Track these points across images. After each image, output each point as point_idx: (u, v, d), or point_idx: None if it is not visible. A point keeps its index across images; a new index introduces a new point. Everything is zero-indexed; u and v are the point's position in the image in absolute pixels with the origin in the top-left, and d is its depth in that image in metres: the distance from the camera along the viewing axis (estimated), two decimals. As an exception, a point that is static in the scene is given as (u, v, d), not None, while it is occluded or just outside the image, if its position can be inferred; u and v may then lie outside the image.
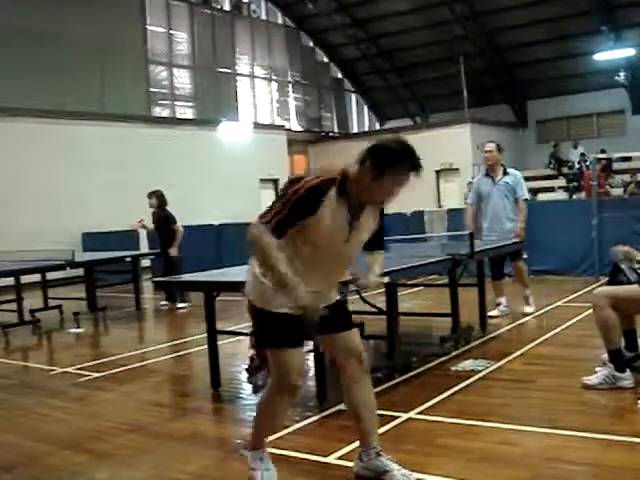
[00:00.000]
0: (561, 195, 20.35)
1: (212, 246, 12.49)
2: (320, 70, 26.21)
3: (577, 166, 20.93)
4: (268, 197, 20.38)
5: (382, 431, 3.90)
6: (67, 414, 4.80)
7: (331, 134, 26.05)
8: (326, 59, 26.34)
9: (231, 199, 17.57)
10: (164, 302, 9.90)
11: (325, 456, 3.60)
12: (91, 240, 14.45)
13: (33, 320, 8.49)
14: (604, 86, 21.71)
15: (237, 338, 6.43)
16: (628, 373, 4.42)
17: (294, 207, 2.83)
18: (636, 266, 4.57)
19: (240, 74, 22.89)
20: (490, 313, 6.98)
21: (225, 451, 3.90)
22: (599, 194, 11.25)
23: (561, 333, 6.33)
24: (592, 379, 4.49)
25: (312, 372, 4.93)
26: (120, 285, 10.74)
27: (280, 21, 24.53)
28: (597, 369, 4.63)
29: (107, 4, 17.61)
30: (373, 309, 6.03)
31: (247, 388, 5.09)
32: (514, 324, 6.90)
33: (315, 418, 4.26)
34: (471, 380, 4.89)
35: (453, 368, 5.24)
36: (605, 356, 4.59)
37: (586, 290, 8.10)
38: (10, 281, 8.50)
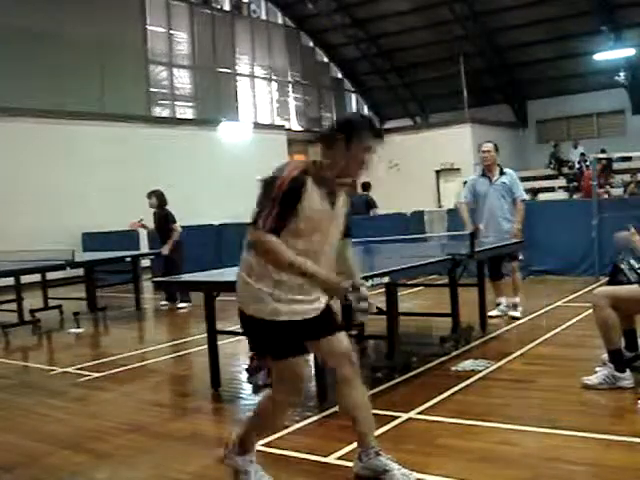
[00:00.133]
0: (561, 195, 20.35)
1: (212, 246, 12.49)
2: (320, 70, 26.20)
3: (577, 166, 20.94)
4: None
5: (382, 431, 3.90)
6: (67, 414, 4.80)
7: (331, 134, 26.02)
8: (326, 59, 26.33)
9: (231, 199, 17.53)
10: (164, 302, 9.90)
11: (325, 456, 3.60)
12: (91, 240, 14.45)
13: (33, 320, 8.49)
14: (604, 86, 21.71)
15: (237, 338, 6.42)
16: (628, 373, 4.42)
17: (283, 201, 2.87)
18: (636, 266, 4.57)
19: (240, 74, 22.88)
20: (490, 313, 6.98)
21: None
22: (599, 195, 11.24)
23: (561, 333, 6.33)
24: (592, 379, 4.49)
25: (312, 372, 4.93)
26: (120, 285, 10.74)
27: (280, 21, 24.52)
28: (597, 369, 4.63)
29: (107, 4, 17.59)
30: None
31: (247, 388, 5.10)
32: (514, 324, 6.90)
33: (315, 418, 4.26)
34: (471, 380, 4.89)
35: (453, 368, 5.24)
36: (605, 356, 4.59)
37: (586, 290, 8.09)
38: (10, 281, 8.50)
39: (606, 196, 15.85)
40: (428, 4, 21.44)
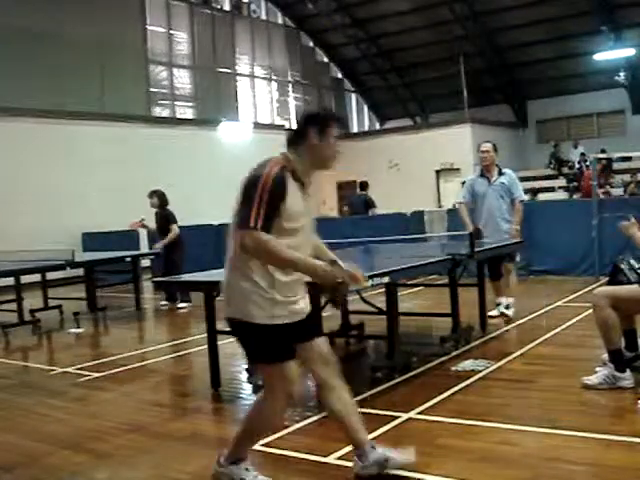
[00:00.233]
0: (561, 195, 20.35)
1: (212, 246, 12.45)
2: (320, 70, 26.21)
3: (577, 166, 20.94)
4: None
5: (382, 431, 3.91)
6: (67, 414, 4.80)
7: (331, 134, 26.01)
8: (326, 59, 26.33)
9: (231, 199, 17.47)
10: (164, 302, 9.90)
11: (325, 456, 3.60)
12: (91, 240, 14.46)
13: (33, 320, 8.49)
14: (604, 86, 21.70)
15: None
16: (628, 373, 4.42)
17: (270, 199, 2.90)
18: (636, 266, 4.57)
19: (240, 74, 22.89)
20: (490, 313, 6.98)
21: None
22: (599, 195, 11.23)
23: (561, 333, 6.33)
24: (592, 379, 4.49)
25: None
26: (120, 285, 10.74)
27: (280, 21, 24.53)
28: (597, 369, 4.63)
29: (107, 4, 17.60)
30: (373, 309, 6.04)
31: (247, 388, 5.10)
32: (514, 324, 6.89)
33: (315, 418, 4.25)
34: (471, 380, 4.88)
35: (453, 368, 5.24)
36: (605, 356, 4.59)
37: (586, 290, 8.09)
38: (10, 281, 8.50)
39: (602, 196, 15.83)
40: (428, 4, 21.45)
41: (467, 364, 5.31)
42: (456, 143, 20.47)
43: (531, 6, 20.21)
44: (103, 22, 17.32)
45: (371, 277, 4.54)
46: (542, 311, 7.44)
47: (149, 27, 19.84)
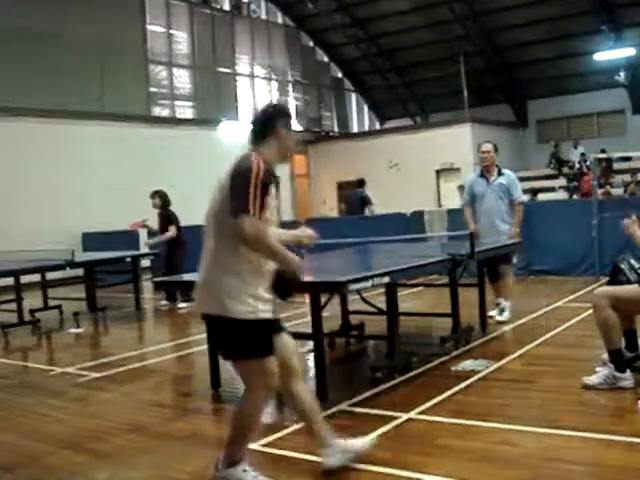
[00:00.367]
0: (562, 195, 20.35)
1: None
2: (320, 70, 26.20)
3: (577, 166, 20.94)
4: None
5: (382, 431, 3.91)
6: (67, 414, 4.81)
7: (331, 134, 26.04)
8: (326, 59, 26.32)
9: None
10: (164, 302, 9.90)
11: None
12: (91, 240, 14.46)
13: (33, 320, 8.49)
14: (604, 86, 21.69)
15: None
16: (628, 373, 4.42)
17: (262, 191, 2.97)
18: (636, 266, 4.57)
19: (240, 74, 22.88)
20: (490, 313, 6.97)
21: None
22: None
23: (561, 333, 6.33)
24: (592, 379, 4.49)
25: (312, 372, 4.93)
26: (120, 285, 10.74)
27: (280, 21, 24.52)
28: (597, 369, 4.63)
29: (107, 4, 17.59)
30: (373, 309, 6.05)
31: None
32: (514, 324, 6.89)
33: (315, 418, 4.25)
34: (471, 380, 4.89)
35: (453, 368, 5.25)
36: (605, 356, 4.59)
37: (586, 290, 8.10)
38: (10, 281, 8.49)
39: (601, 197, 15.82)
40: (428, 4, 21.44)
41: (467, 364, 5.31)
42: (456, 143, 20.46)
43: (531, 6, 20.20)
44: (103, 22, 17.31)
45: (371, 277, 4.55)
46: (542, 311, 7.44)
47: (149, 27, 19.83)
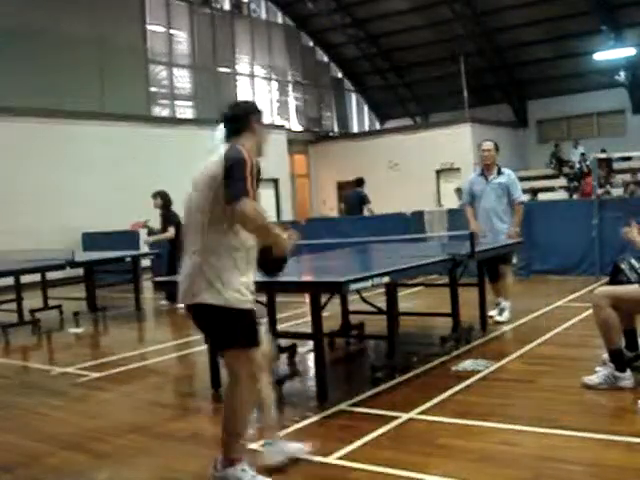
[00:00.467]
0: (562, 195, 20.35)
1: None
2: (320, 70, 26.21)
3: (577, 166, 20.95)
4: (268, 197, 20.40)
5: (382, 431, 3.91)
6: (67, 414, 4.81)
7: (331, 134, 26.05)
8: (326, 59, 26.33)
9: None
10: (164, 302, 9.90)
11: (325, 456, 3.60)
12: (91, 240, 14.45)
13: (33, 320, 8.48)
14: (604, 86, 21.71)
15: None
16: (628, 373, 4.42)
17: (256, 176, 3.09)
18: (636, 265, 4.57)
19: (240, 74, 22.90)
20: (490, 313, 6.97)
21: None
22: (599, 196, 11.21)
23: (561, 333, 6.32)
24: (592, 379, 4.49)
25: (312, 372, 4.93)
26: (120, 285, 10.74)
27: (280, 21, 24.53)
28: (597, 369, 4.63)
29: (107, 4, 17.60)
30: (373, 309, 6.04)
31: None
32: (514, 324, 6.89)
33: (315, 418, 4.25)
34: (471, 380, 4.88)
35: (453, 368, 5.24)
36: (605, 356, 4.59)
37: (586, 290, 8.09)
38: (10, 281, 8.50)
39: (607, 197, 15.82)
40: (428, 3, 21.46)
41: (467, 364, 5.31)
42: (456, 143, 20.47)
43: (531, 6, 20.21)
44: (103, 22, 17.32)
45: (371, 277, 4.55)
46: (542, 311, 7.44)
47: (149, 27, 19.85)
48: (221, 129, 3.34)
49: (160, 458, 3.84)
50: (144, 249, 11.57)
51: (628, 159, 19.59)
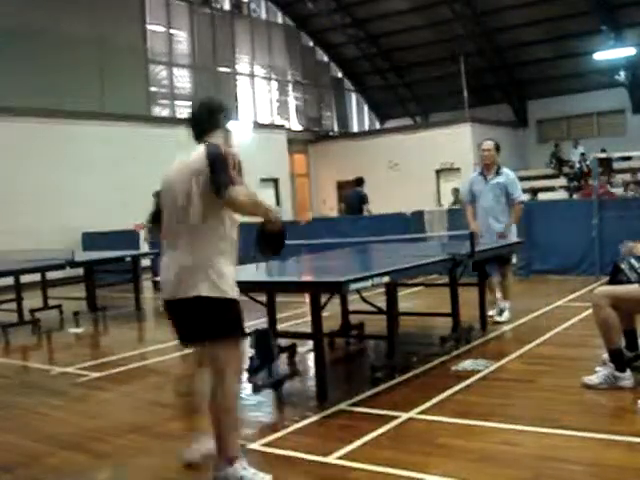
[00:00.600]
0: (562, 194, 20.34)
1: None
2: (320, 70, 26.20)
3: (577, 166, 20.94)
4: (268, 197, 20.40)
5: (382, 431, 3.91)
6: (67, 414, 4.81)
7: (331, 133, 26.05)
8: (326, 59, 26.32)
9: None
10: (164, 302, 9.89)
11: (325, 456, 3.60)
12: (91, 240, 14.45)
13: (33, 320, 8.48)
14: (604, 86, 21.70)
15: (237, 338, 6.42)
16: (628, 373, 4.42)
17: (238, 167, 3.23)
18: (636, 265, 4.57)
19: (240, 74, 22.89)
20: (490, 312, 6.96)
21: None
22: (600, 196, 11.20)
23: (561, 333, 6.32)
24: (592, 379, 4.49)
25: (312, 372, 4.93)
26: (120, 285, 10.73)
27: (280, 21, 24.52)
28: (597, 369, 4.63)
29: (107, 4, 17.59)
30: (373, 309, 6.04)
31: (247, 388, 5.09)
32: (514, 324, 6.89)
33: (315, 418, 4.25)
34: (471, 380, 4.88)
35: (453, 368, 5.24)
36: (605, 356, 4.59)
37: (586, 290, 8.09)
38: (10, 281, 8.49)
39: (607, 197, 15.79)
40: (428, 3, 21.45)
41: (467, 364, 5.31)
42: (456, 143, 20.47)
43: (531, 6, 20.21)
44: (103, 22, 17.31)
45: (371, 277, 4.55)
46: (542, 311, 7.44)
47: (149, 27, 19.84)
48: (192, 126, 3.46)
49: (160, 458, 3.84)
50: (144, 249, 11.59)
51: (628, 159, 19.58)
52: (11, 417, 4.82)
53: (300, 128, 24.73)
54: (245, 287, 5.09)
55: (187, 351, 6.14)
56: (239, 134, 20.06)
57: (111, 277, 11.27)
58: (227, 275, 3.24)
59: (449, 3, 21.02)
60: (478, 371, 5.09)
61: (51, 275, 9.56)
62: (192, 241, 3.24)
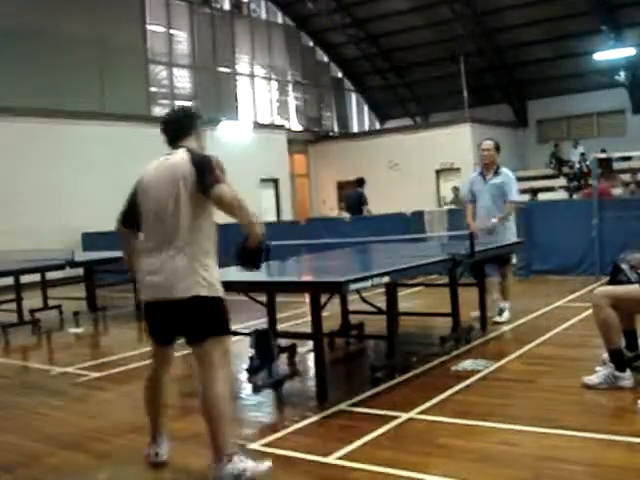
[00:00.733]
0: (562, 194, 20.35)
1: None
2: (320, 70, 26.21)
3: (577, 166, 20.95)
4: (268, 197, 20.41)
5: (382, 431, 3.91)
6: (67, 414, 4.81)
7: (331, 134, 26.05)
8: (326, 59, 26.33)
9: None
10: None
11: (325, 456, 3.60)
12: (91, 240, 14.44)
13: (33, 320, 8.48)
14: (604, 86, 21.71)
15: (237, 338, 6.41)
16: (628, 373, 4.42)
17: (221, 170, 3.34)
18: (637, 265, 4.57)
19: (240, 73, 22.89)
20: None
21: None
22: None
23: (561, 333, 6.32)
24: (592, 379, 4.49)
25: (312, 372, 4.93)
26: (120, 285, 10.72)
27: (280, 21, 24.53)
28: (597, 369, 4.63)
29: (107, 4, 17.59)
30: (373, 309, 6.05)
31: (247, 388, 5.09)
32: (514, 324, 6.89)
33: (315, 418, 4.25)
34: (471, 380, 4.88)
35: (453, 368, 5.24)
36: (605, 356, 4.59)
37: (586, 290, 8.09)
38: (10, 281, 8.49)
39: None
40: (428, 3, 21.46)
41: (467, 364, 5.31)
42: (456, 143, 20.48)
43: (531, 6, 20.22)
44: (103, 22, 17.31)
45: (371, 277, 4.55)
46: (542, 311, 7.44)
47: (149, 27, 19.85)
48: (167, 132, 3.67)
49: (160, 458, 3.83)
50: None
51: (628, 159, 19.58)
52: (11, 417, 4.82)
53: (300, 128, 24.73)
54: (245, 287, 5.12)
55: (187, 351, 6.12)
56: (235, 135, 20.07)
57: (111, 277, 11.24)
58: (216, 273, 3.37)
59: (449, 3, 21.02)
60: (478, 371, 5.09)
61: (51, 275, 9.55)
62: (184, 243, 3.32)
